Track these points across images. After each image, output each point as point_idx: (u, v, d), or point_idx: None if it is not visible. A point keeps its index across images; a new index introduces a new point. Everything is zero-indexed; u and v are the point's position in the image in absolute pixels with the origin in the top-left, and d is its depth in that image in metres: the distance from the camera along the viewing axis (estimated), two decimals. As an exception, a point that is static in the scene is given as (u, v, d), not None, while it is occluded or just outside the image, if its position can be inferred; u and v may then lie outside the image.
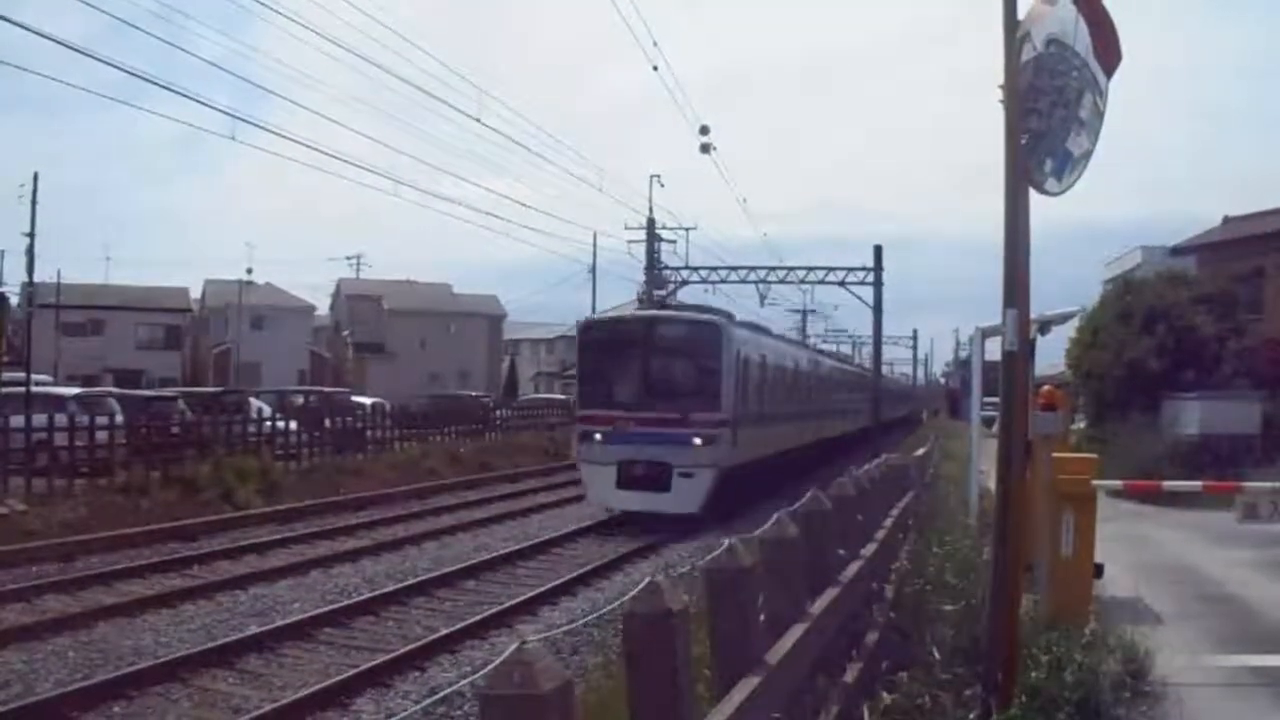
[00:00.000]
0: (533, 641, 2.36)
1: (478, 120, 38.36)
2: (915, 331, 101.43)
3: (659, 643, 2.86)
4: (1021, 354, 7.23)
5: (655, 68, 35.38)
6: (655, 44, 52.25)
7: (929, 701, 6.89)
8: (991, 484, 16.86)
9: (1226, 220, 39.83)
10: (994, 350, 18.20)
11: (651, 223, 48.55)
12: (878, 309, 44.71)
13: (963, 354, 68.55)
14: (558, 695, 2.23)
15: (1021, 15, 7.62)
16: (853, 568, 6.59)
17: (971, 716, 6.94)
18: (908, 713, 6.68)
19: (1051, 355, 34.42)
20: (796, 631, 4.15)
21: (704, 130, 41.71)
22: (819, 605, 4.93)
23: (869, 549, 7.19)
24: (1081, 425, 32.70)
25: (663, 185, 42.95)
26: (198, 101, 35.06)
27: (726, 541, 3.88)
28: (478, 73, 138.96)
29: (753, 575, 3.64)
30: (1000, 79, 7.57)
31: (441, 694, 9.86)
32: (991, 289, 7.41)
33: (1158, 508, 20.03)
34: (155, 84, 37.94)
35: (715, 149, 42.30)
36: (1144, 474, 19.21)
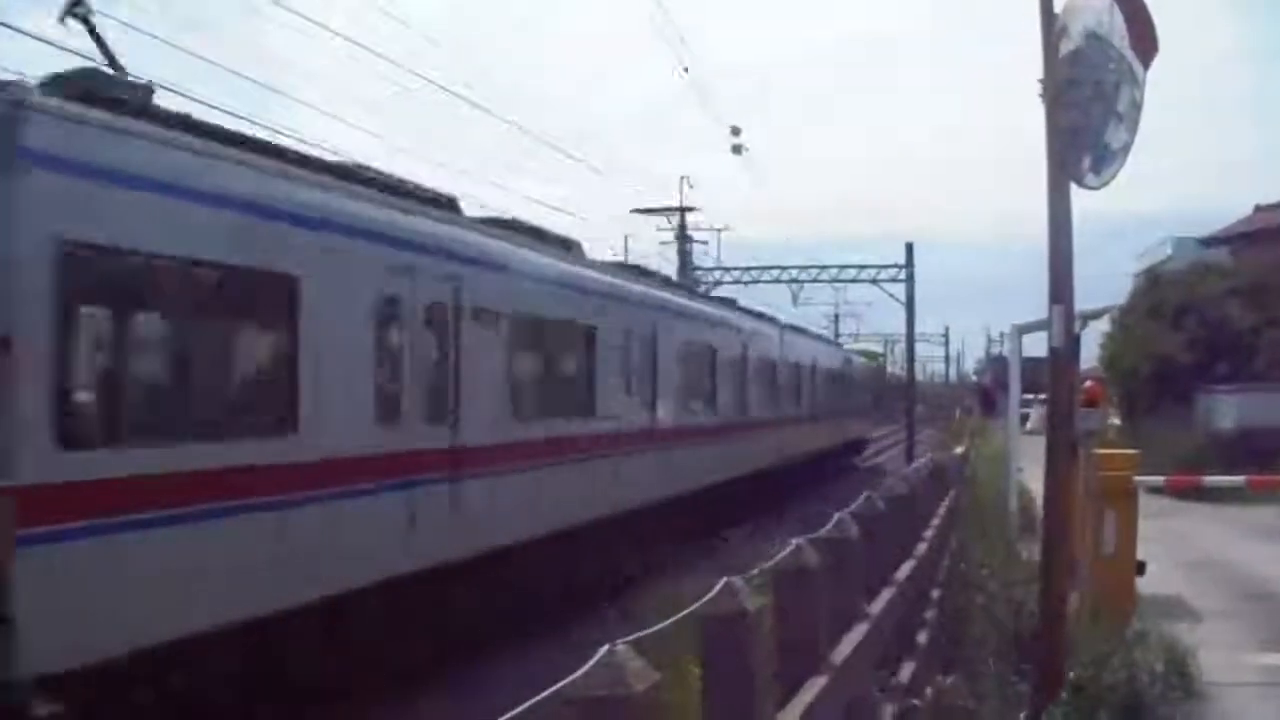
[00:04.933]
0: (622, 644, 2.38)
1: (510, 122, 38.33)
2: (947, 329, 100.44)
3: (735, 643, 2.87)
4: (1067, 350, 7.18)
5: (685, 69, 35.29)
6: (683, 40, 52.09)
7: (977, 698, 6.88)
8: (1028, 483, 16.74)
9: (1258, 209, 39.29)
10: (1030, 348, 18.08)
11: (683, 224, 48.25)
12: (910, 306, 44.39)
13: (994, 350, 67.81)
14: (649, 696, 2.25)
15: (1058, 9, 7.61)
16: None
17: (1022, 716, 6.93)
18: (957, 708, 6.66)
19: (1084, 351, 33.99)
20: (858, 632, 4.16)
21: (735, 131, 41.44)
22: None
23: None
24: (1115, 421, 32.35)
25: (692, 186, 42.37)
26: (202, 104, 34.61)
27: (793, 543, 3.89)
28: (504, 75, 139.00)
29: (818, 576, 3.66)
30: (1039, 73, 7.57)
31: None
32: (1018, 285, 7.38)
33: (1193, 503, 19.76)
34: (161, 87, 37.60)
35: (747, 149, 42.03)
36: (1180, 469, 18.98)
